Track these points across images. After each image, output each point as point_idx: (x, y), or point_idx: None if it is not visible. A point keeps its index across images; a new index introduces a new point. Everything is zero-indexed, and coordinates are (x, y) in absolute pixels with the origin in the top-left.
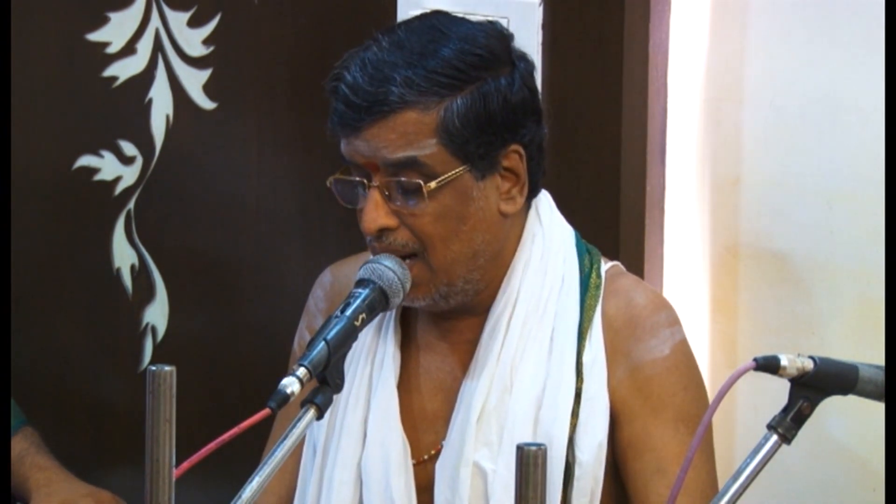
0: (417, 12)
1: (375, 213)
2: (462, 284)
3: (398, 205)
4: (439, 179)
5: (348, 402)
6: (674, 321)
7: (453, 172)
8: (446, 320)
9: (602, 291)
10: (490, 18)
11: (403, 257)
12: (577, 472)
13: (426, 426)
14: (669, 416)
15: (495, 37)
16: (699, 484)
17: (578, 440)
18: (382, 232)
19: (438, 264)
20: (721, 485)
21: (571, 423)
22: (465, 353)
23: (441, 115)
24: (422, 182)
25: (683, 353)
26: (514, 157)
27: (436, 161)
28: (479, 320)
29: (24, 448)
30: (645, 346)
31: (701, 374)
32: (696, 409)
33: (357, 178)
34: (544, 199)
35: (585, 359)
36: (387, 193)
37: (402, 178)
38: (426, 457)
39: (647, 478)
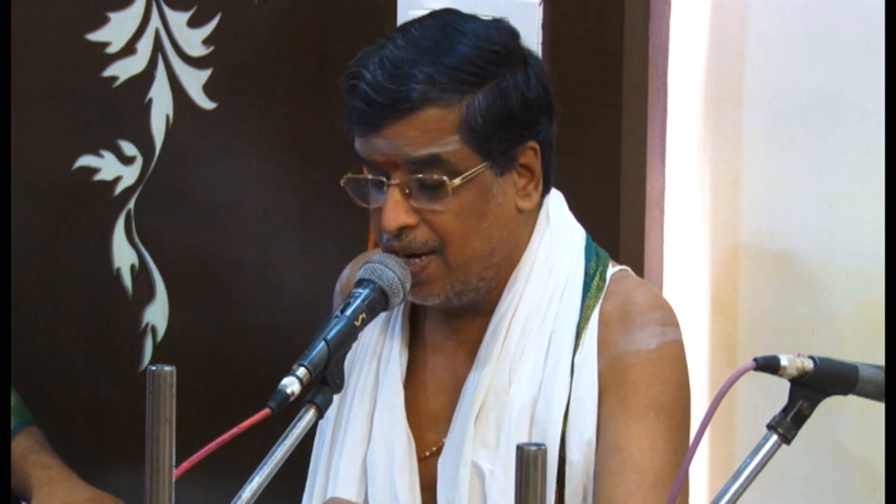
0: (418, 12)
1: (395, 211)
2: (476, 282)
3: (418, 202)
4: (463, 176)
5: (354, 397)
6: (669, 322)
7: (475, 169)
8: (455, 319)
9: (604, 293)
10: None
11: (421, 255)
12: (568, 471)
13: (429, 424)
14: (640, 401)
15: (507, 34)
16: (654, 465)
17: (569, 440)
18: (402, 230)
19: (456, 262)
20: (721, 485)
21: (564, 424)
22: (470, 353)
23: (463, 112)
24: (446, 178)
25: (671, 352)
26: (530, 154)
27: (458, 158)
28: (486, 320)
29: (28, 446)
30: (631, 339)
31: (688, 377)
32: (672, 402)
33: (375, 177)
34: (555, 200)
35: (577, 359)
36: (407, 191)
37: (424, 176)
38: (428, 453)
39: (605, 455)
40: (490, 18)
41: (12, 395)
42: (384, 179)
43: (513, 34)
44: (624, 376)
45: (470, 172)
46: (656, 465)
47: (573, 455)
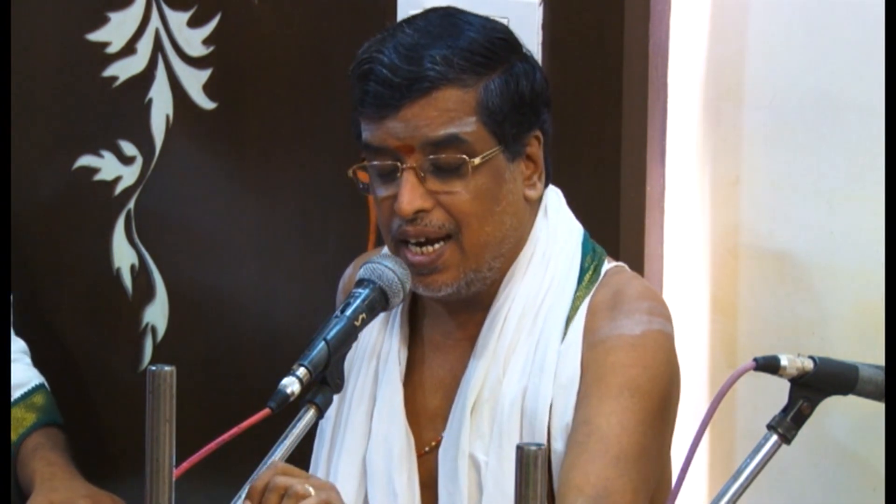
0: (417, 12)
1: (412, 194)
2: (485, 271)
3: (434, 185)
4: (483, 156)
5: (353, 397)
6: (657, 313)
7: (491, 151)
8: (456, 314)
9: (596, 286)
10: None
11: (436, 240)
12: (554, 459)
13: (427, 422)
14: (616, 381)
15: (504, 26)
16: (621, 440)
17: (553, 428)
18: (418, 214)
19: (470, 246)
20: (721, 485)
21: (550, 413)
22: (469, 350)
23: (481, 93)
24: (466, 157)
25: (654, 340)
26: (535, 144)
27: (475, 139)
28: (485, 315)
29: (40, 443)
30: (616, 324)
31: (673, 368)
32: (649, 386)
33: (385, 162)
34: (554, 196)
35: (562, 347)
36: (422, 174)
37: (443, 156)
38: (427, 449)
39: (575, 428)
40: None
41: (44, 395)
42: (399, 164)
43: (508, 28)
44: (603, 358)
45: (487, 153)
46: (623, 441)
47: (557, 443)
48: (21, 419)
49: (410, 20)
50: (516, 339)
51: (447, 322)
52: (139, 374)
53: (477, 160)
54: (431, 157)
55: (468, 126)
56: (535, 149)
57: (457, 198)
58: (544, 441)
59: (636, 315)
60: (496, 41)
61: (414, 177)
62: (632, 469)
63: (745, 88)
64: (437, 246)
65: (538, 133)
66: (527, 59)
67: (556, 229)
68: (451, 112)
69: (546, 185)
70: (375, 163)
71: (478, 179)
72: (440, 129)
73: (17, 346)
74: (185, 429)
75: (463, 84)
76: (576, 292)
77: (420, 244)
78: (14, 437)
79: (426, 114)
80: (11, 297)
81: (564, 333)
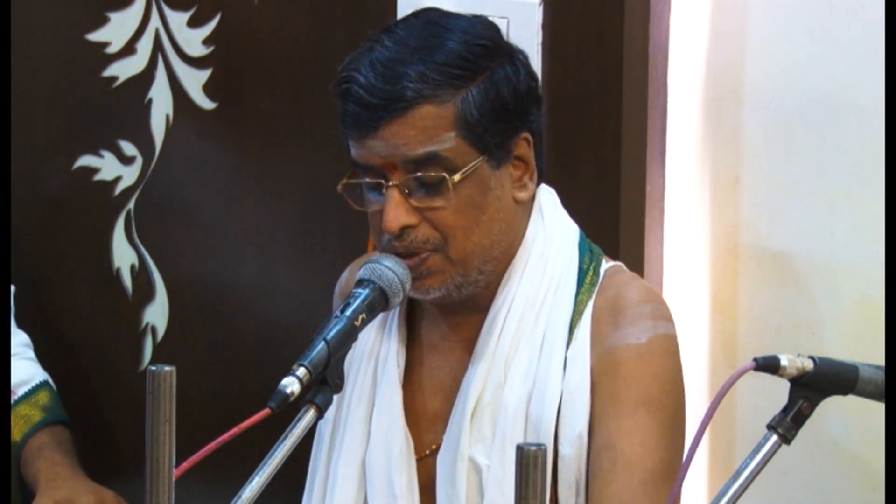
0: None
1: (396, 211)
2: (475, 275)
3: (418, 201)
4: (462, 172)
5: (352, 398)
6: (660, 315)
7: (473, 164)
8: (453, 316)
9: (597, 288)
10: (490, 18)
11: (421, 254)
12: (561, 465)
13: (427, 424)
14: (631, 397)
15: (491, 28)
16: (645, 462)
17: (561, 434)
18: (404, 230)
19: (457, 255)
20: (721, 485)
21: (557, 418)
22: (467, 351)
23: (458, 108)
24: (446, 175)
25: (661, 346)
26: (523, 145)
27: (456, 154)
28: (482, 316)
29: (45, 443)
30: (622, 333)
31: (680, 371)
32: (662, 396)
33: (373, 180)
34: (547, 195)
35: (569, 354)
36: (406, 191)
37: (425, 174)
38: (427, 452)
39: (597, 452)
40: (470, 14)
41: (48, 394)
42: (382, 181)
43: (496, 28)
44: (615, 371)
45: (468, 167)
46: (647, 463)
47: (565, 449)
48: (26, 417)
49: (392, 28)
50: (517, 342)
51: (445, 323)
52: (139, 373)
53: (457, 177)
54: (413, 174)
55: (447, 142)
56: (525, 150)
57: (440, 213)
58: (551, 447)
59: (640, 322)
60: (476, 49)
61: (398, 194)
62: (660, 488)
63: (745, 88)
64: (422, 255)
65: (526, 134)
66: (512, 60)
67: (553, 230)
68: (428, 130)
69: (538, 184)
70: (366, 179)
71: (461, 193)
72: (419, 148)
73: (20, 339)
74: (185, 429)
75: (440, 100)
76: (577, 295)
77: (408, 255)
78: (18, 435)
79: (404, 133)
80: (13, 291)
81: (570, 338)
